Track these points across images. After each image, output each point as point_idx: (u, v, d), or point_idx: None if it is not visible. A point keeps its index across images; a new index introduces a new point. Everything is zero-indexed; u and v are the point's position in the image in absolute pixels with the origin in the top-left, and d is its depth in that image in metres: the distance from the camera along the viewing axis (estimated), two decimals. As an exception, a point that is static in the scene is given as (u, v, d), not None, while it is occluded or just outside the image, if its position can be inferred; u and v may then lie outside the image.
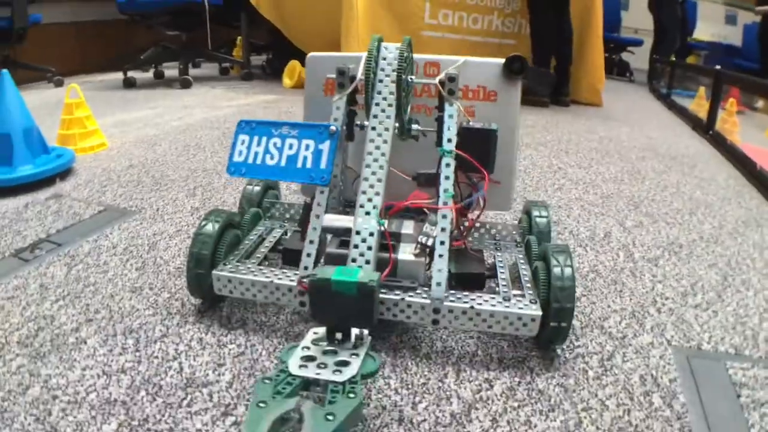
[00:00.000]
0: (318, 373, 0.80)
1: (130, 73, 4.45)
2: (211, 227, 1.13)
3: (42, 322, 1.15)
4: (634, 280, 1.38)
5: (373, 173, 1.04)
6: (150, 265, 1.39)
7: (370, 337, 0.90)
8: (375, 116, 1.08)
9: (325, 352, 0.86)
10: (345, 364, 0.83)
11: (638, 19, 7.00)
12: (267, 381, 0.78)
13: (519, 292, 1.03)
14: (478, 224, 1.32)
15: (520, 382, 0.97)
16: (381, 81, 1.09)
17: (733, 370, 1.04)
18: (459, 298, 0.99)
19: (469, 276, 1.10)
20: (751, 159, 2.44)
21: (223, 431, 0.85)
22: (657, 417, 0.90)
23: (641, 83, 6.21)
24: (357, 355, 0.85)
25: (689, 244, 1.60)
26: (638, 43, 6.83)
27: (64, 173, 2.09)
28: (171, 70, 4.91)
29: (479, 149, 1.10)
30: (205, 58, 5.15)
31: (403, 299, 0.98)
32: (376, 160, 1.05)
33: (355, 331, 0.90)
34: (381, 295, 0.97)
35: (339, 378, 0.79)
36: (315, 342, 0.89)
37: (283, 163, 1.03)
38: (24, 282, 1.31)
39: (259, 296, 1.07)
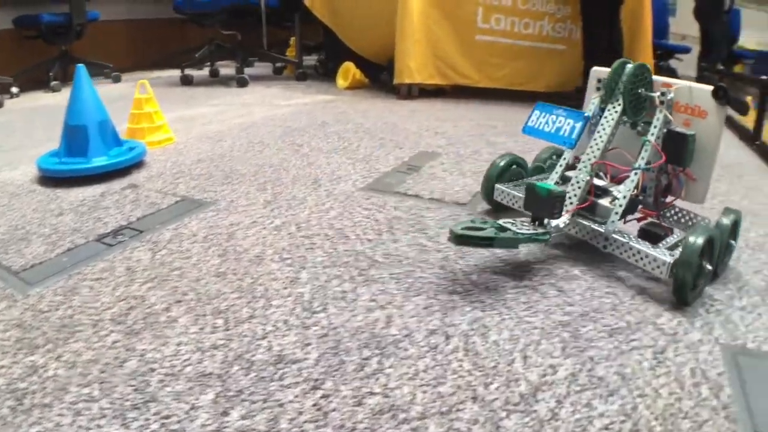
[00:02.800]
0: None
1: (186, 71, 4.60)
2: (501, 160, 1.76)
3: (133, 302, 1.27)
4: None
5: (595, 143, 1.50)
6: (231, 252, 1.50)
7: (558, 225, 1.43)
8: (608, 110, 1.52)
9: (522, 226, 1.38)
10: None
11: (686, 25, 6.90)
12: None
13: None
14: (676, 209, 1.62)
15: (581, 369, 1.06)
16: (619, 89, 1.51)
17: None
18: (624, 236, 1.42)
19: (649, 233, 1.54)
20: (799, 169, 2.47)
21: (313, 402, 0.95)
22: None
23: (687, 91, 6.15)
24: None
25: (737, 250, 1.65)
26: (686, 50, 6.75)
27: (137, 165, 2.22)
28: (225, 69, 5.05)
29: (676, 148, 1.48)
30: (259, 58, 5.27)
31: (586, 224, 1.48)
32: (600, 136, 1.50)
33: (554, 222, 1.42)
34: (578, 220, 1.49)
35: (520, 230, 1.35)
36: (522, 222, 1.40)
37: (552, 130, 1.56)
38: (111, 265, 1.43)
39: (515, 205, 1.66)
